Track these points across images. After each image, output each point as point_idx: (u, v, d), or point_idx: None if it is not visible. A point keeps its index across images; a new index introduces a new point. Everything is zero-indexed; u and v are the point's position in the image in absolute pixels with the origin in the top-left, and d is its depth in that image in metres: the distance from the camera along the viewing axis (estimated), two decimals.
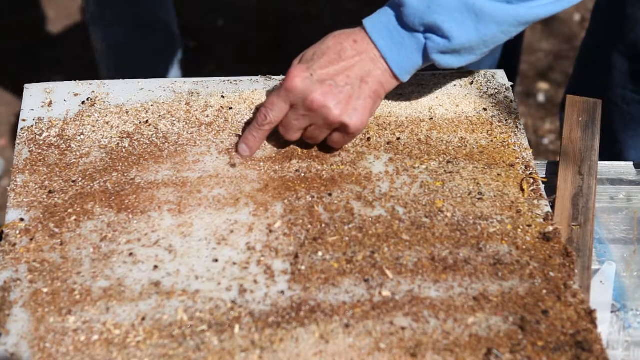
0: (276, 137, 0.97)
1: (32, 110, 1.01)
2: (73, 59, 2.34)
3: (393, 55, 0.90)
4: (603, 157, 1.00)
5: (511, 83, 1.07)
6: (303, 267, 0.84)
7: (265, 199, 0.91)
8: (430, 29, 0.88)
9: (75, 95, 1.03)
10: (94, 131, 0.98)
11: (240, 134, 0.98)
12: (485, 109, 1.03)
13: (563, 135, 1.01)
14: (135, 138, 0.98)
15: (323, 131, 0.92)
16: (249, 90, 1.04)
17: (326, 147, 0.96)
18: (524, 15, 0.88)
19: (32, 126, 0.99)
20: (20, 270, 0.83)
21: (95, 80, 1.05)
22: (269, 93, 1.03)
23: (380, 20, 0.91)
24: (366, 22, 0.92)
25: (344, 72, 0.90)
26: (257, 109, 1.00)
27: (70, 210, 0.89)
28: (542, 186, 0.94)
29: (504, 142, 0.99)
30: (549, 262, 0.85)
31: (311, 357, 0.77)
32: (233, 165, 0.95)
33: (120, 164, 0.94)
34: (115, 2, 1.75)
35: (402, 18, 0.89)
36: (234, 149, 0.96)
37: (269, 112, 0.92)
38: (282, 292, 0.82)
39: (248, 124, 0.99)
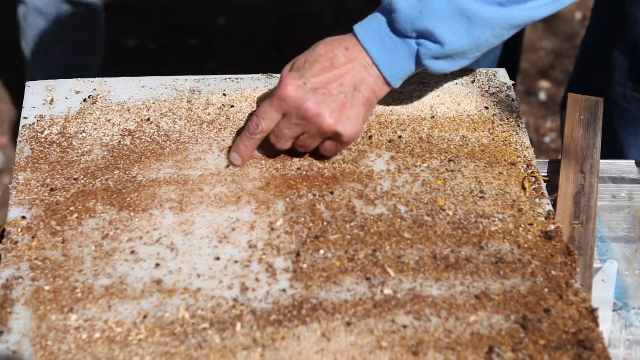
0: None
1: (34, 108, 1.01)
2: None
3: (385, 62, 0.90)
4: (604, 155, 1.00)
5: (512, 82, 1.07)
6: (305, 266, 0.84)
7: (267, 197, 0.91)
8: (423, 35, 0.88)
9: (77, 93, 1.03)
10: (95, 129, 0.98)
11: (242, 132, 0.98)
12: (486, 108, 1.03)
13: (565, 134, 1.01)
14: (137, 136, 0.98)
15: (315, 140, 0.92)
16: (250, 89, 1.04)
17: (318, 156, 0.95)
18: (517, 19, 0.88)
19: (33, 124, 0.99)
20: (22, 268, 0.83)
21: (96, 78, 1.05)
22: (265, 97, 1.02)
23: (372, 26, 0.90)
24: (357, 28, 0.91)
25: (337, 80, 0.89)
26: (250, 116, 0.99)
27: (72, 208, 0.89)
28: (543, 185, 0.94)
29: (506, 140, 0.98)
30: (551, 261, 0.85)
31: (313, 356, 0.77)
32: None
33: (122, 162, 0.94)
34: None
35: (393, 24, 0.88)
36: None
37: (260, 121, 0.91)
38: (284, 290, 0.82)
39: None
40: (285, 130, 0.90)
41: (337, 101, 0.89)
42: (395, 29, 0.88)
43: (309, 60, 0.90)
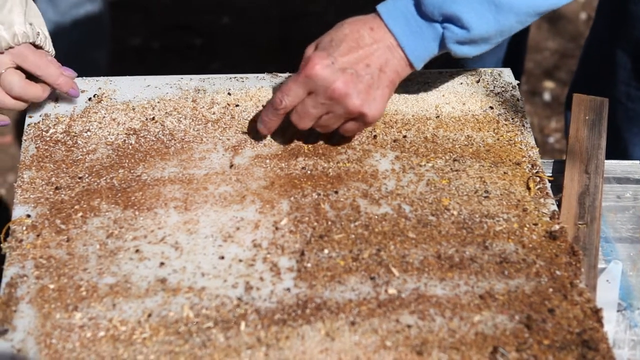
0: (282, 134, 0.98)
1: (39, 106, 1.01)
2: None
3: (410, 44, 0.90)
4: (607, 154, 1.00)
5: (517, 81, 1.07)
6: (309, 265, 0.84)
7: (272, 196, 0.91)
8: (449, 19, 0.88)
9: (82, 91, 1.03)
10: (100, 128, 0.98)
11: (247, 131, 0.99)
12: (491, 107, 1.02)
13: (569, 134, 1.00)
14: (142, 135, 0.98)
15: (338, 120, 0.92)
16: (255, 88, 1.04)
17: (334, 137, 0.95)
18: (542, 5, 0.89)
19: (38, 122, 0.99)
20: (26, 266, 0.83)
21: (101, 77, 1.05)
22: (280, 86, 1.02)
23: (396, 7, 0.90)
24: (381, 8, 0.90)
25: (363, 61, 0.89)
26: (274, 91, 0.97)
27: (76, 207, 0.89)
28: (548, 184, 0.94)
29: (511, 140, 0.98)
30: (555, 261, 0.85)
31: (317, 355, 0.77)
32: (235, 164, 0.95)
33: (127, 161, 0.94)
34: None
35: (420, 7, 0.88)
36: (240, 146, 0.96)
37: (284, 98, 0.90)
38: (288, 289, 0.82)
39: (254, 121, 1.00)
40: (311, 109, 0.90)
41: (363, 82, 0.89)
42: (422, 12, 0.88)
43: (334, 39, 0.89)
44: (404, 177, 0.94)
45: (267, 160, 0.95)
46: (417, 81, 1.05)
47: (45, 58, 0.96)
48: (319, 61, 0.88)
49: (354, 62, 0.88)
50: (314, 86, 0.88)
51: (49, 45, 0.96)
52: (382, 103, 0.90)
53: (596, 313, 0.80)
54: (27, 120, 0.99)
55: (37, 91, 0.96)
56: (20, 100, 0.95)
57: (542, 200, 0.91)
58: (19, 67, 0.94)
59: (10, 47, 0.92)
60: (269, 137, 0.98)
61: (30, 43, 0.94)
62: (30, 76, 0.95)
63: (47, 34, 0.96)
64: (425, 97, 1.04)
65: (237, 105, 1.02)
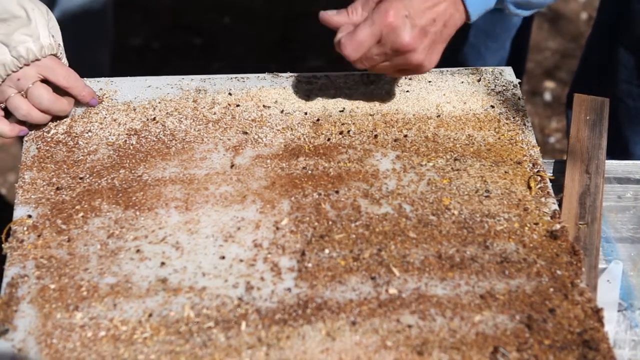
0: (283, 134, 0.98)
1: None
2: None
3: (473, 0, 0.91)
4: (608, 152, 1.00)
5: (518, 80, 1.07)
6: (310, 265, 0.84)
7: (272, 196, 0.91)
8: None
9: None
10: (101, 128, 0.98)
11: (247, 131, 0.99)
12: (492, 106, 1.02)
13: (570, 134, 1.00)
14: (143, 135, 0.98)
15: (392, 68, 0.93)
16: (256, 88, 1.04)
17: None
18: None
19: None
20: (27, 266, 0.83)
21: (102, 78, 1.05)
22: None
23: None
24: None
25: (432, 16, 0.90)
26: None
27: (77, 207, 0.89)
28: (549, 184, 0.94)
29: (512, 139, 0.98)
30: (556, 261, 0.85)
31: (318, 355, 0.77)
32: (236, 164, 0.95)
33: (128, 161, 0.94)
34: None
35: None
36: (241, 146, 0.97)
37: (355, 52, 0.90)
38: (289, 289, 0.82)
39: (254, 120, 1.00)
40: (375, 56, 0.91)
41: (428, 38, 0.90)
42: None
43: None
44: (404, 176, 0.94)
45: (268, 160, 0.95)
46: (418, 80, 1.05)
47: (71, 70, 0.96)
48: (396, 13, 0.88)
49: (425, 18, 0.90)
50: (385, 35, 0.89)
51: (64, 57, 0.97)
52: (438, 57, 0.93)
53: (597, 313, 0.80)
54: None
55: (63, 105, 0.96)
56: (47, 113, 0.95)
57: (543, 199, 0.91)
58: (43, 80, 0.94)
59: (37, 60, 0.92)
60: (269, 137, 0.98)
61: (53, 55, 0.94)
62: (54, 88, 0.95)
63: (62, 45, 0.96)
64: (426, 96, 1.04)
65: (238, 106, 1.02)
